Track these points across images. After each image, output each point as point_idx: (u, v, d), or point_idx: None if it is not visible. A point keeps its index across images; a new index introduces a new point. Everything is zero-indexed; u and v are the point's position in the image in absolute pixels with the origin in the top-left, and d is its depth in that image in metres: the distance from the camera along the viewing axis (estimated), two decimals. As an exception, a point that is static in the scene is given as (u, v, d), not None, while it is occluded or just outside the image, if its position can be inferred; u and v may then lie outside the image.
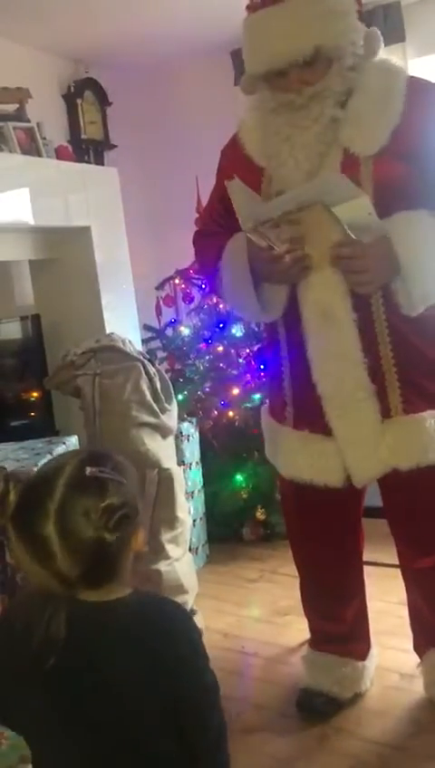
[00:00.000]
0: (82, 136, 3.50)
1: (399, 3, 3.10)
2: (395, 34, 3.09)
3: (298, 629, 2.33)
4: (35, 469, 1.10)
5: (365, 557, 2.06)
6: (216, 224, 1.89)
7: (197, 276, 3.13)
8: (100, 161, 3.60)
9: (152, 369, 2.41)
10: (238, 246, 1.74)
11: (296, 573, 2.09)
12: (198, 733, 1.09)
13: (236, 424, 3.06)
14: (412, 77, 1.71)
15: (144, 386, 2.35)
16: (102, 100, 3.62)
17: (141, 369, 2.37)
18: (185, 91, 3.65)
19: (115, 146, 3.67)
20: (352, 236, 1.57)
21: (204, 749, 1.11)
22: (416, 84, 1.67)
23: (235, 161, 1.79)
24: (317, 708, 1.99)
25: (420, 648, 2.00)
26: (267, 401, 2.01)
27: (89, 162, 3.47)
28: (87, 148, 3.54)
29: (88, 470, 1.01)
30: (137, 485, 1.09)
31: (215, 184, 1.91)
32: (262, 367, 2.97)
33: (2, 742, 1.58)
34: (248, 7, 1.65)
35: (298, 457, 1.82)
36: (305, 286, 1.67)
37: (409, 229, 1.60)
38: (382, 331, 1.67)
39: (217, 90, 3.40)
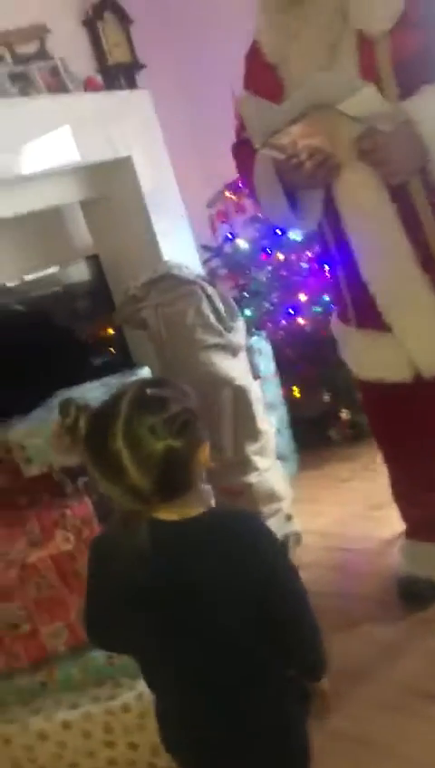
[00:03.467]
0: (109, 62, 3.40)
1: None
2: None
3: (395, 521, 2.35)
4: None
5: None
6: (246, 137, 1.84)
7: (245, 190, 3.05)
8: (132, 84, 3.50)
9: (211, 290, 2.41)
10: (265, 161, 1.70)
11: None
12: (291, 637, 1.15)
13: (308, 330, 3.04)
14: None
15: (205, 308, 2.37)
16: (124, 18, 3.48)
17: (200, 292, 2.38)
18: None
19: (144, 65, 3.55)
20: (371, 128, 1.49)
21: (298, 650, 1.18)
22: None
23: (256, 68, 1.73)
24: (420, 594, 2.04)
25: None
26: (334, 304, 2.00)
27: (120, 88, 3.39)
28: (117, 74, 3.45)
29: (149, 390, 1.07)
30: (198, 403, 1.13)
31: None
32: (326, 268, 2.91)
33: (120, 658, 1.73)
34: None
35: (365, 356, 1.82)
36: (339, 186, 1.63)
37: (429, 105, 1.50)
38: (428, 218, 1.60)
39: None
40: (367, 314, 1.75)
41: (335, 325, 1.97)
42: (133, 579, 1.08)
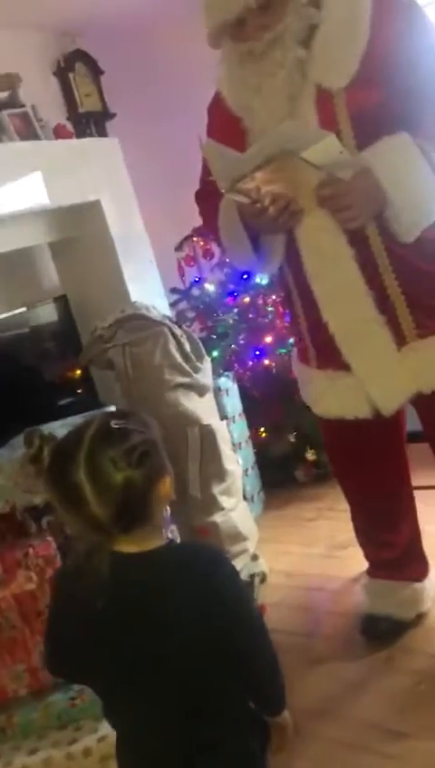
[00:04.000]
0: (80, 110, 3.50)
1: None
2: None
3: (359, 560, 2.36)
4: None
5: (416, 482, 2.10)
6: (211, 183, 1.90)
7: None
8: (102, 132, 3.60)
9: (179, 331, 2.46)
10: (229, 206, 1.76)
11: (350, 507, 2.14)
12: (251, 667, 1.17)
13: (274, 371, 3.09)
14: None
15: (173, 348, 2.41)
16: (95, 70, 3.60)
17: (168, 332, 2.43)
18: (178, 49, 3.58)
19: (114, 114, 3.65)
20: (331, 176, 1.56)
21: (258, 682, 1.19)
22: (381, 2, 1.61)
23: (219, 118, 1.80)
24: (382, 632, 2.05)
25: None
26: (295, 346, 2.05)
27: (91, 135, 3.48)
28: (87, 122, 3.54)
29: (113, 422, 1.10)
30: (161, 435, 1.16)
31: None
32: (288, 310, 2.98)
33: (83, 699, 1.71)
34: None
35: (326, 396, 1.86)
36: (299, 231, 1.69)
37: (388, 155, 1.58)
38: (383, 261, 1.66)
39: (206, 45, 3.33)
40: (327, 355, 1.80)
41: (296, 365, 2.02)
42: (95, 610, 1.08)
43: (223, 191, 1.65)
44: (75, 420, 2.38)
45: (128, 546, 1.11)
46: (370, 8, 1.59)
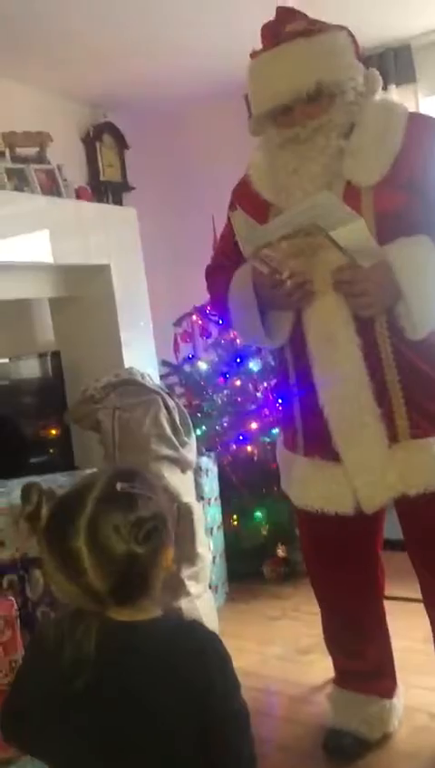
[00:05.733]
0: (101, 178, 3.58)
1: (409, 45, 3.18)
2: (406, 75, 3.17)
3: (322, 668, 2.27)
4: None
5: (389, 592, 2.03)
6: (226, 258, 1.93)
7: (212, 312, 3.15)
8: (118, 203, 3.68)
9: (171, 402, 2.42)
10: (245, 273, 1.77)
11: (319, 611, 2.06)
12: (227, 762, 1.06)
13: (255, 459, 3.04)
14: (413, 112, 1.77)
15: (163, 419, 2.36)
16: (121, 143, 3.72)
17: (160, 402, 2.38)
18: (201, 134, 3.74)
19: (133, 188, 3.75)
20: (353, 261, 1.60)
21: None
22: (416, 118, 1.73)
23: (243, 198, 1.84)
24: (345, 749, 1.92)
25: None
26: (281, 432, 2.01)
27: (108, 203, 3.55)
28: (106, 190, 3.62)
29: (118, 485, 1.02)
30: (167, 500, 1.09)
31: (226, 221, 1.95)
32: (279, 401, 2.97)
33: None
34: (252, 55, 1.73)
35: (309, 485, 1.81)
36: (309, 312, 1.70)
37: (408, 254, 1.62)
38: (388, 356, 1.67)
39: (232, 132, 3.46)
40: (316, 442, 1.77)
41: (281, 452, 1.97)
42: (69, 678, 0.99)
43: (246, 254, 1.67)
44: (54, 479, 2.31)
45: (119, 615, 1.03)
46: (405, 122, 1.69)
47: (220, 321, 3.19)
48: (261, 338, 1.83)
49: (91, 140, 3.59)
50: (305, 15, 1.73)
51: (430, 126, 1.73)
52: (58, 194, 2.89)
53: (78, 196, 3.07)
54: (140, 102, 3.57)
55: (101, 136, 3.62)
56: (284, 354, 1.85)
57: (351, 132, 1.68)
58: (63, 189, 2.92)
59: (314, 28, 1.67)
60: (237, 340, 3.14)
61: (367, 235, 1.58)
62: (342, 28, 1.70)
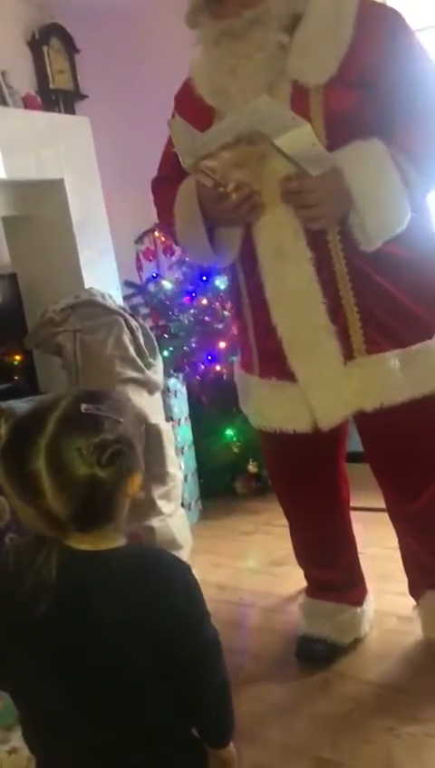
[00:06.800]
0: (51, 86, 3.36)
1: None
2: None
3: (295, 579, 2.31)
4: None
5: (356, 503, 2.05)
6: (172, 169, 1.79)
7: (160, 228, 3.02)
8: (71, 112, 3.47)
9: (134, 323, 2.35)
10: (189, 187, 1.66)
11: (289, 523, 2.07)
12: (198, 691, 1.06)
13: (224, 378, 3.00)
14: (364, 0, 1.59)
15: (127, 340, 2.30)
16: (70, 47, 3.47)
17: (123, 323, 2.31)
18: (156, 35, 3.49)
19: (86, 96, 3.53)
20: (301, 169, 1.49)
21: (205, 707, 1.08)
22: (368, 6, 1.57)
23: (186, 104, 1.71)
24: (317, 655, 1.98)
25: (415, 590, 1.98)
26: (239, 352, 1.96)
27: (59, 113, 3.34)
28: (57, 99, 3.41)
29: (83, 406, 0.97)
30: (136, 425, 1.04)
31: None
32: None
33: (-3, 703, 1.56)
34: None
35: (266, 406, 1.78)
36: (258, 226, 1.60)
37: (360, 159, 1.52)
38: (341, 269, 1.60)
39: (189, 33, 3.26)
40: (271, 362, 1.72)
41: (238, 373, 1.93)
42: (31, 609, 0.96)
43: (186, 167, 1.55)
44: (16, 404, 2.24)
45: (81, 543, 0.99)
46: (355, 12, 1.54)
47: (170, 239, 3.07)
48: (209, 255, 1.73)
49: (37, 44, 3.34)
50: None
51: (383, 15, 1.59)
52: (4, 103, 2.70)
53: (26, 106, 2.88)
54: (89, 1, 3.30)
55: (49, 39, 3.37)
56: (235, 272, 1.76)
57: (295, 26, 1.53)
58: (9, 98, 2.73)
59: None
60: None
61: (314, 141, 1.46)
62: None
